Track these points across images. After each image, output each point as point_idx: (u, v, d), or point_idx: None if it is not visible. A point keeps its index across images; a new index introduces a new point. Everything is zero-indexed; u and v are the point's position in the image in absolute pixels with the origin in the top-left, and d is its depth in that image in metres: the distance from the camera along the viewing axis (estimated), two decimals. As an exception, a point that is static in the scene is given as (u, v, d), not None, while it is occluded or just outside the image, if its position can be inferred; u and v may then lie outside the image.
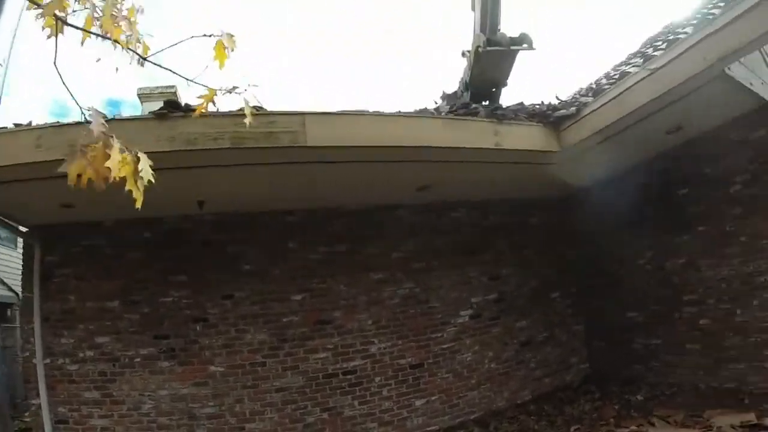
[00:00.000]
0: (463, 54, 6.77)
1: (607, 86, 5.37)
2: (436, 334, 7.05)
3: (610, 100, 5.09)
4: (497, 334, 7.49)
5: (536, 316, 7.90)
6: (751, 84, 5.15)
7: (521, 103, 6.28)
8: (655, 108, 4.94)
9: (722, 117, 5.94)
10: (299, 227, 6.64)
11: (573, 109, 5.45)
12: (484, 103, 6.40)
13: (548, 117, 5.61)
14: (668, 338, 6.95)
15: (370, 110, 4.69)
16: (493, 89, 6.36)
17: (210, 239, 6.29)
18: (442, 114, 5.19)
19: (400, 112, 4.86)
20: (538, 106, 5.98)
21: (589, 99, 5.46)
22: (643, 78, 4.68)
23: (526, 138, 5.50)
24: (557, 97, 6.20)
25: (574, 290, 8.44)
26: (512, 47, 5.62)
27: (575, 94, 6.88)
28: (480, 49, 5.82)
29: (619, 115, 5.02)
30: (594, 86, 5.97)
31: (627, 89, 4.88)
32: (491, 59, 5.84)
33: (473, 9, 6.13)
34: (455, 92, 7.37)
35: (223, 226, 6.34)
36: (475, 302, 7.43)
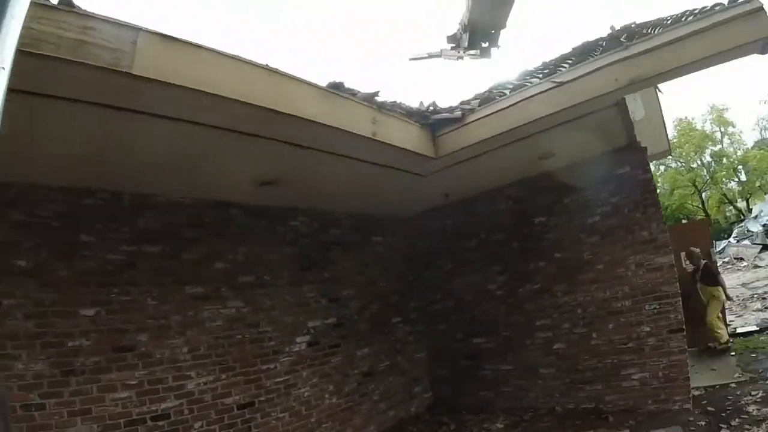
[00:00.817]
0: None
1: (497, 96, 4.98)
2: (268, 366, 5.87)
3: (507, 107, 4.69)
4: (338, 364, 6.63)
5: (378, 343, 7.26)
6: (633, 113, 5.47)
7: (395, 101, 5.51)
8: (551, 123, 4.77)
9: (593, 150, 6.16)
10: (98, 214, 4.86)
11: (458, 113, 4.94)
12: (483, 44, 5.88)
13: (427, 118, 5.02)
14: (520, 363, 6.96)
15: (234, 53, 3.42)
16: (492, 30, 5.79)
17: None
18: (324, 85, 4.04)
19: (268, 65, 3.64)
20: (416, 107, 5.33)
21: (475, 106, 5.00)
22: (548, 89, 4.43)
23: (405, 134, 4.79)
24: (435, 104, 5.56)
25: (415, 315, 8.03)
26: None
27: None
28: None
29: (515, 125, 4.68)
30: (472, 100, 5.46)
31: (527, 98, 4.56)
32: None
33: None
34: (455, 34, 6.76)
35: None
36: (312, 327, 6.47)
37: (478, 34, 5.86)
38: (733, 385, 6.25)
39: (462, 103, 5.52)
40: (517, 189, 6.99)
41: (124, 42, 2.87)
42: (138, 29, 2.94)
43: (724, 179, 39.59)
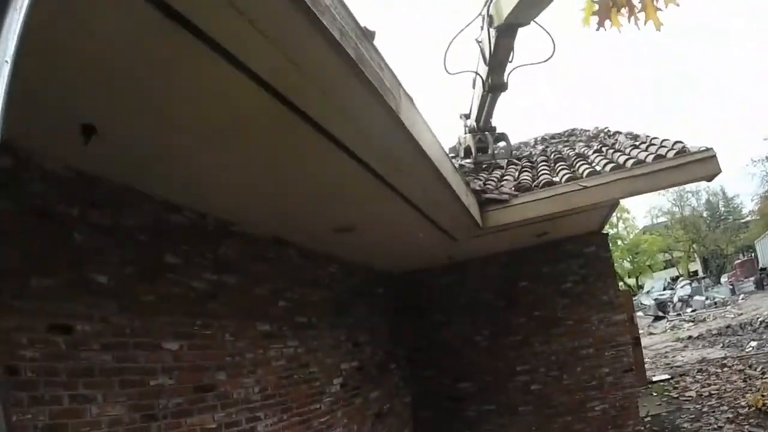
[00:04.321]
0: (460, 117, 8.01)
1: (527, 182, 6.68)
2: (315, 406, 6.33)
3: (543, 198, 6.32)
4: (359, 405, 7.48)
5: (382, 387, 8.28)
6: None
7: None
8: (576, 211, 6.53)
9: (573, 232, 8.22)
10: (184, 234, 4.60)
11: (505, 196, 6.49)
12: (479, 155, 7.84)
13: (480, 196, 6.47)
14: (502, 403, 8.55)
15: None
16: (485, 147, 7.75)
17: (48, 206, 3.46)
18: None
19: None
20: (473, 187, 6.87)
21: (511, 191, 6.56)
22: (576, 190, 6.19)
23: (475, 209, 6.19)
24: (485, 186, 7.11)
25: (404, 362, 9.27)
26: (495, 157, 7.37)
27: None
28: (471, 157, 7.52)
29: (547, 212, 6.33)
30: (513, 181, 7.04)
31: (560, 194, 6.27)
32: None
33: (473, 87, 7.20)
34: (454, 146, 8.74)
35: (73, 192, 3.61)
36: (343, 369, 7.26)
37: (471, 153, 7.95)
38: (664, 413, 8.84)
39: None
40: (507, 257, 8.82)
41: (397, 91, 3.33)
42: (400, 84, 3.43)
43: (618, 259, 45.18)
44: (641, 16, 3.20)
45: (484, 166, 7.68)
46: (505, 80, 6.34)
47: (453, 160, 5.37)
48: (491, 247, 8.27)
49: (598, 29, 3.34)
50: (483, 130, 7.57)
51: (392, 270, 9.06)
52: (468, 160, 8.08)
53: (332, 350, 7.01)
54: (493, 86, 6.41)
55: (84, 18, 2.10)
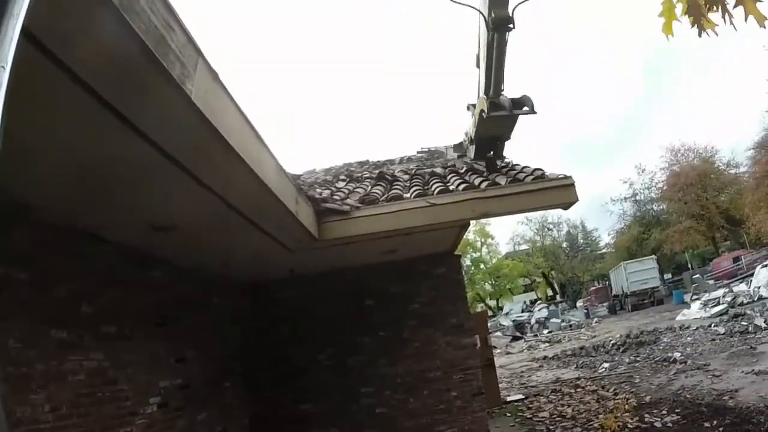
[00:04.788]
0: (468, 107, 7.29)
1: (375, 195, 6.41)
2: (125, 429, 5.57)
3: (388, 212, 6.09)
4: (183, 428, 6.71)
5: (214, 408, 7.61)
6: None
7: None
8: (425, 229, 6.30)
9: (423, 251, 8.10)
10: None
11: (346, 207, 6.15)
12: (488, 154, 7.04)
13: (319, 205, 6.06)
14: (346, 426, 8.14)
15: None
16: (497, 143, 6.92)
17: None
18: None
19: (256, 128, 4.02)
20: (311, 194, 6.29)
21: (354, 203, 6.24)
22: (424, 207, 6.02)
23: (308, 217, 5.79)
24: (326, 196, 6.52)
25: (242, 381, 8.61)
26: (514, 111, 6.11)
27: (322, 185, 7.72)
28: (484, 114, 6.34)
29: (391, 228, 6.08)
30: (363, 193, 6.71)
31: (406, 209, 6.06)
32: (495, 122, 6.41)
33: (477, 66, 6.49)
34: (461, 143, 8.09)
35: None
36: (163, 387, 6.46)
37: (484, 146, 7.21)
38: (517, 435, 8.90)
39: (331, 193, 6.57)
40: (354, 273, 8.48)
41: (190, 60, 2.69)
42: (200, 53, 2.82)
43: (480, 281, 48.35)
44: (738, 11, 2.69)
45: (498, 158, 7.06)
46: (510, 14, 5.62)
47: (278, 159, 4.65)
48: (338, 262, 7.94)
49: (693, 26, 2.85)
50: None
51: (232, 279, 8.35)
52: (481, 162, 7.23)
53: (150, 365, 6.25)
54: (497, 20, 5.60)
55: None
